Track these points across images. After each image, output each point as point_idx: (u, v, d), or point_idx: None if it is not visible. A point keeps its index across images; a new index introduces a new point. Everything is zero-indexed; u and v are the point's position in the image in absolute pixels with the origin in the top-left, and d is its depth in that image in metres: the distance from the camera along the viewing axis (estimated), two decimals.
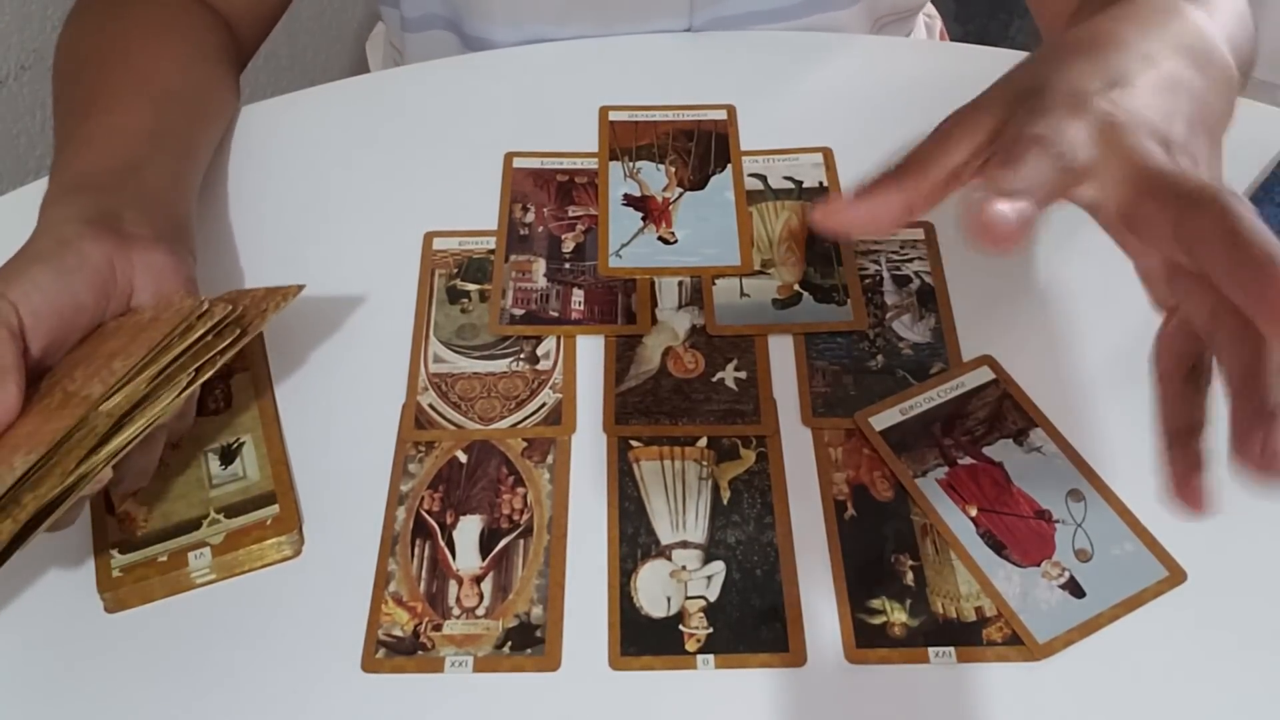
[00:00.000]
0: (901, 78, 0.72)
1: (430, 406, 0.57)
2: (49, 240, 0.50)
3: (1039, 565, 0.51)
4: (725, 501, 0.53)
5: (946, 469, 0.54)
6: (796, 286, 0.61)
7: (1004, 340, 0.59)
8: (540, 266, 0.63)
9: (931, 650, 0.49)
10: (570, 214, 0.65)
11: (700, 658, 0.49)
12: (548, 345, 0.59)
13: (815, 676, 0.48)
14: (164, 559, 0.51)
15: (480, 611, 0.50)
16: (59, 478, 0.44)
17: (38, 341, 0.48)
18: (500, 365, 0.59)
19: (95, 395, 0.45)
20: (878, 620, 0.50)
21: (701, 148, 0.68)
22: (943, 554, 0.52)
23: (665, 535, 0.52)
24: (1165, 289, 0.41)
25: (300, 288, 0.51)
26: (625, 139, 0.69)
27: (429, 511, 0.53)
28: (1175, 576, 0.50)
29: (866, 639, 0.49)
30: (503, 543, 0.52)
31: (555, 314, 0.60)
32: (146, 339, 0.47)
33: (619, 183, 0.66)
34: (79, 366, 0.48)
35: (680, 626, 0.50)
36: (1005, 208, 0.36)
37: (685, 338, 0.60)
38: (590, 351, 0.59)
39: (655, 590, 0.51)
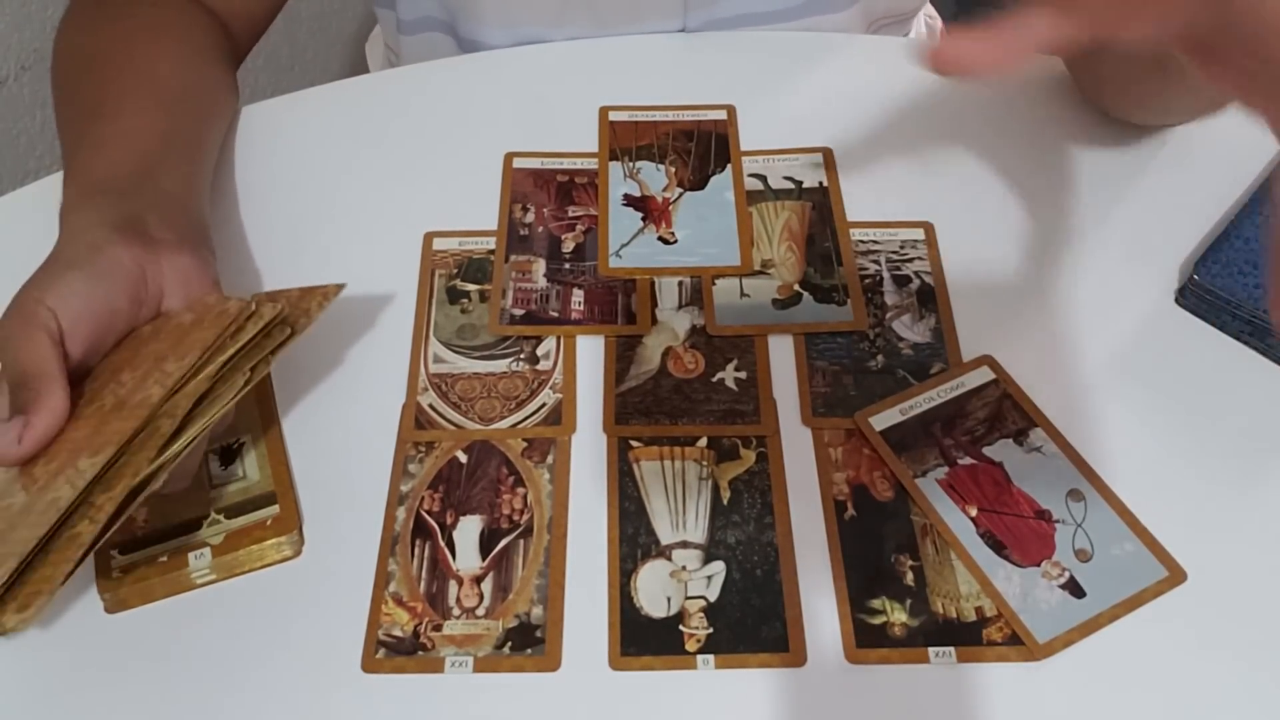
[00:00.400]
0: (901, 78, 0.72)
1: (430, 407, 0.57)
2: (79, 246, 0.51)
3: (1039, 565, 0.51)
4: (725, 501, 0.53)
5: (946, 469, 0.54)
6: (796, 286, 0.61)
7: (1004, 340, 0.59)
8: (540, 267, 0.63)
9: (931, 650, 0.49)
10: (570, 214, 0.65)
11: (700, 658, 0.49)
12: (548, 345, 0.59)
13: (815, 676, 0.48)
14: (164, 559, 0.51)
15: (480, 612, 0.50)
16: (130, 477, 0.45)
17: (76, 347, 0.49)
18: (500, 365, 0.59)
19: (155, 397, 0.46)
20: (878, 620, 0.50)
21: (701, 148, 0.68)
22: (943, 554, 0.52)
23: (665, 535, 0.52)
24: None
25: (341, 286, 0.53)
26: (625, 139, 0.69)
27: (429, 512, 0.53)
28: (1175, 576, 0.51)
29: (867, 639, 0.49)
30: (503, 543, 0.52)
31: (555, 314, 0.60)
32: (196, 341, 0.48)
33: (619, 183, 0.66)
34: (123, 370, 0.49)
35: (680, 626, 0.50)
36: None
37: (685, 338, 0.60)
38: (590, 352, 0.59)
39: (655, 590, 0.51)
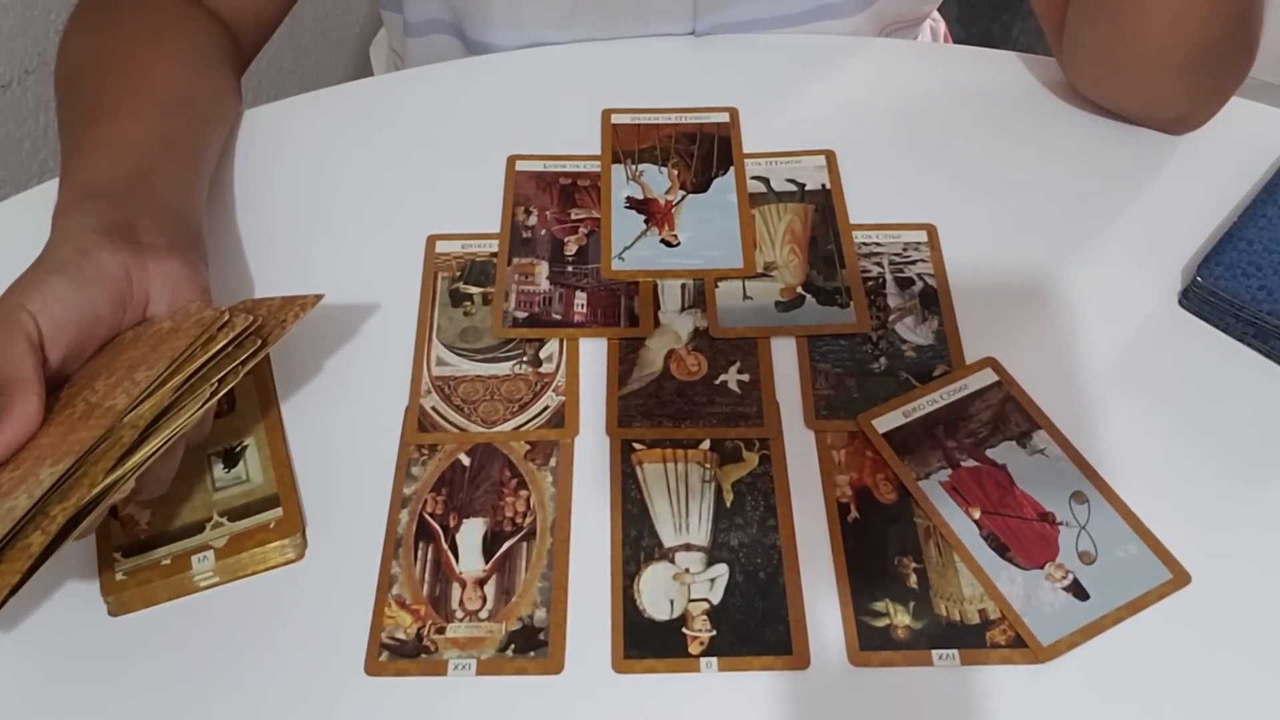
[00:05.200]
0: (904, 80, 0.72)
1: (433, 409, 0.57)
2: (66, 250, 0.50)
3: (1042, 567, 0.51)
4: (728, 504, 0.53)
5: (950, 471, 0.54)
6: (799, 289, 0.61)
7: (1007, 342, 0.59)
8: (543, 269, 0.63)
9: (935, 653, 0.49)
10: (573, 217, 0.65)
11: (703, 660, 0.49)
12: (550, 348, 0.59)
13: (818, 679, 0.48)
14: (167, 562, 0.51)
15: (483, 614, 0.50)
16: (86, 488, 0.44)
17: (57, 352, 0.48)
18: (503, 368, 0.59)
19: (120, 406, 0.46)
20: (881, 623, 0.50)
21: (704, 150, 0.68)
22: (946, 556, 0.52)
23: (668, 538, 0.52)
24: None
25: (319, 297, 0.52)
26: (627, 142, 0.69)
27: (432, 514, 0.53)
28: (1179, 579, 0.50)
29: (870, 641, 0.49)
30: (506, 545, 0.52)
31: (558, 317, 0.60)
32: (168, 350, 0.48)
33: (621, 185, 0.66)
34: (99, 377, 0.48)
35: (683, 629, 0.50)
36: None
37: (688, 340, 0.60)
38: (593, 354, 0.59)
39: (658, 593, 0.51)
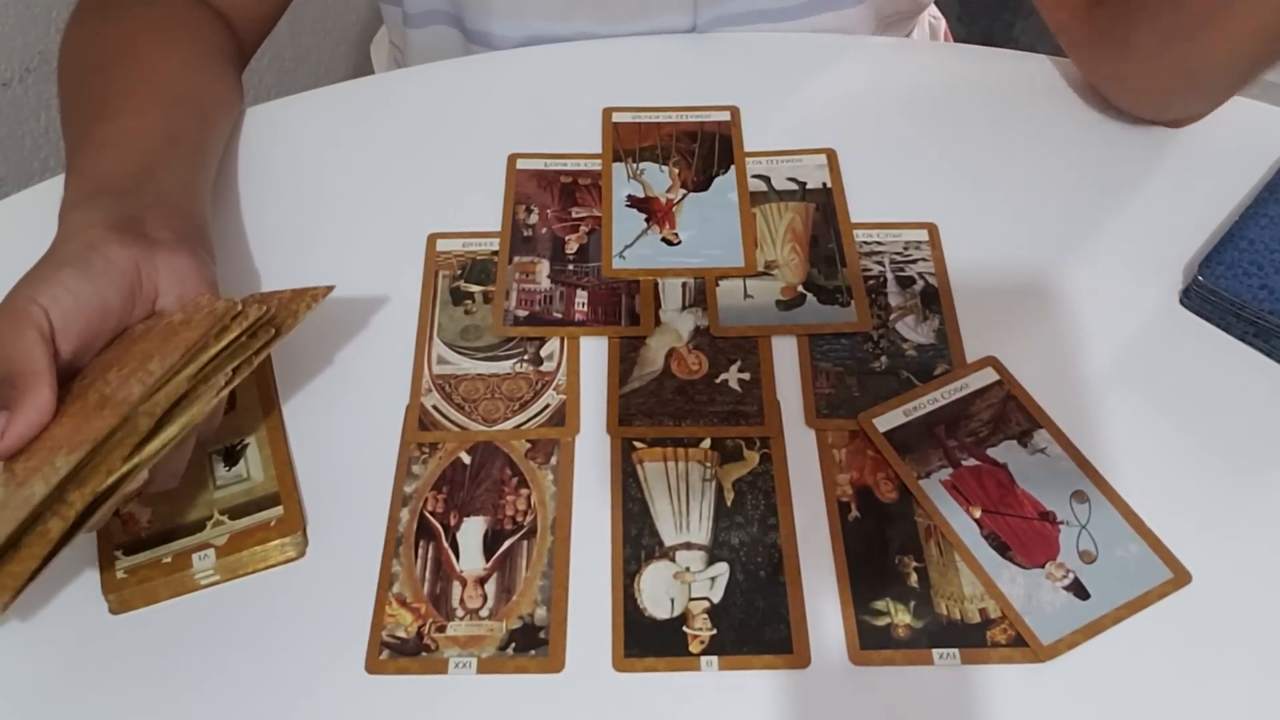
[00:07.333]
0: (906, 79, 0.72)
1: (434, 408, 0.57)
2: (76, 245, 0.51)
3: (1043, 567, 0.51)
4: (729, 503, 0.53)
5: (950, 470, 0.54)
6: (800, 288, 0.61)
7: (1008, 341, 0.59)
8: (544, 268, 0.63)
9: (935, 652, 0.49)
10: (574, 215, 0.65)
11: (704, 659, 0.49)
12: (551, 347, 0.59)
13: (819, 678, 0.48)
14: (168, 560, 0.51)
15: (484, 613, 0.50)
16: (104, 475, 0.44)
17: (67, 345, 0.49)
18: (504, 366, 0.59)
19: (135, 396, 0.46)
20: (882, 622, 0.50)
21: (705, 149, 0.68)
22: (947, 555, 0.52)
23: (669, 537, 0.52)
24: None
25: (330, 288, 0.52)
26: (628, 140, 0.69)
27: (433, 513, 0.53)
28: (1180, 578, 0.50)
29: (870, 640, 0.49)
30: (506, 544, 0.52)
31: (559, 315, 0.60)
32: (181, 340, 0.48)
33: (622, 184, 0.66)
34: (111, 369, 0.49)
35: (684, 628, 0.50)
36: None
37: (689, 339, 0.60)
38: (594, 353, 0.59)
39: (659, 592, 0.51)
